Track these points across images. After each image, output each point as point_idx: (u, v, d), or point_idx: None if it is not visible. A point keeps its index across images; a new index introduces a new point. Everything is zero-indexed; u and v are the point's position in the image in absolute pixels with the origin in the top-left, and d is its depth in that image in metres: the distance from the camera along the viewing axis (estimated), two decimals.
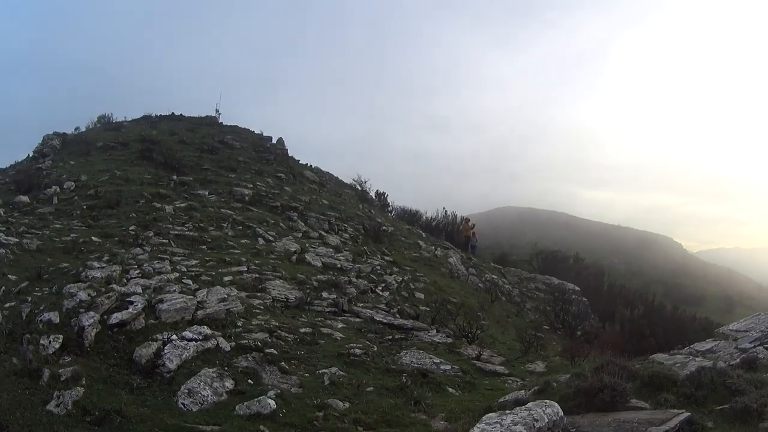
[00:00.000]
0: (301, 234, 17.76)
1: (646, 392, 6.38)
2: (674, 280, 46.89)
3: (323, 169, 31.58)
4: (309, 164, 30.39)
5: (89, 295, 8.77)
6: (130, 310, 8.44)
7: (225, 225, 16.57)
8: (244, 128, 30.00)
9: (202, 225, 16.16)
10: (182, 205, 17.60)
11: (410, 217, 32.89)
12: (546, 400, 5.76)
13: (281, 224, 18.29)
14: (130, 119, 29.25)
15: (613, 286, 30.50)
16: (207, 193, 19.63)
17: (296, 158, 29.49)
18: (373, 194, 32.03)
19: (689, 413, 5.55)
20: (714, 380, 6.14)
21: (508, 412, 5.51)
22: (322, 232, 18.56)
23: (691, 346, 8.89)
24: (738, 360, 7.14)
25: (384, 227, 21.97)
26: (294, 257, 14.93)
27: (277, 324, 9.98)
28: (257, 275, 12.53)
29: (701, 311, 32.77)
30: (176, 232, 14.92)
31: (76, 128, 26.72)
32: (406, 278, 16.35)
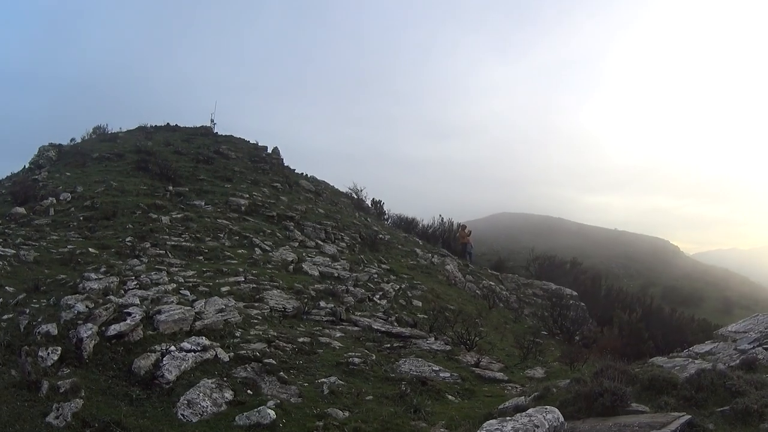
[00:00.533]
0: (297, 243, 17.75)
1: (647, 396, 6.38)
2: (672, 283, 46.99)
3: (318, 177, 31.63)
4: (305, 173, 30.41)
5: (87, 306, 8.75)
6: (128, 321, 8.42)
7: (221, 235, 16.55)
8: (240, 138, 30.04)
9: (198, 235, 16.13)
10: (178, 215, 17.57)
11: (406, 224, 32.90)
12: (546, 406, 5.77)
13: (278, 234, 18.27)
14: (125, 130, 29.26)
15: (611, 289, 30.52)
16: (203, 203, 19.62)
17: (292, 167, 29.54)
18: (369, 202, 32.07)
19: (690, 416, 5.56)
20: (714, 382, 6.15)
21: (508, 418, 5.50)
22: (319, 242, 18.56)
23: (690, 348, 8.91)
24: (737, 361, 7.16)
25: (380, 235, 21.97)
26: (291, 267, 14.91)
27: (276, 334, 9.96)
28: (254, 285, 12.51)
29: (699, 313, 32.82)
30: (173, 243, 14.90)
31: (72, 139, 26.71)
32: (403, 286, 16.33)
